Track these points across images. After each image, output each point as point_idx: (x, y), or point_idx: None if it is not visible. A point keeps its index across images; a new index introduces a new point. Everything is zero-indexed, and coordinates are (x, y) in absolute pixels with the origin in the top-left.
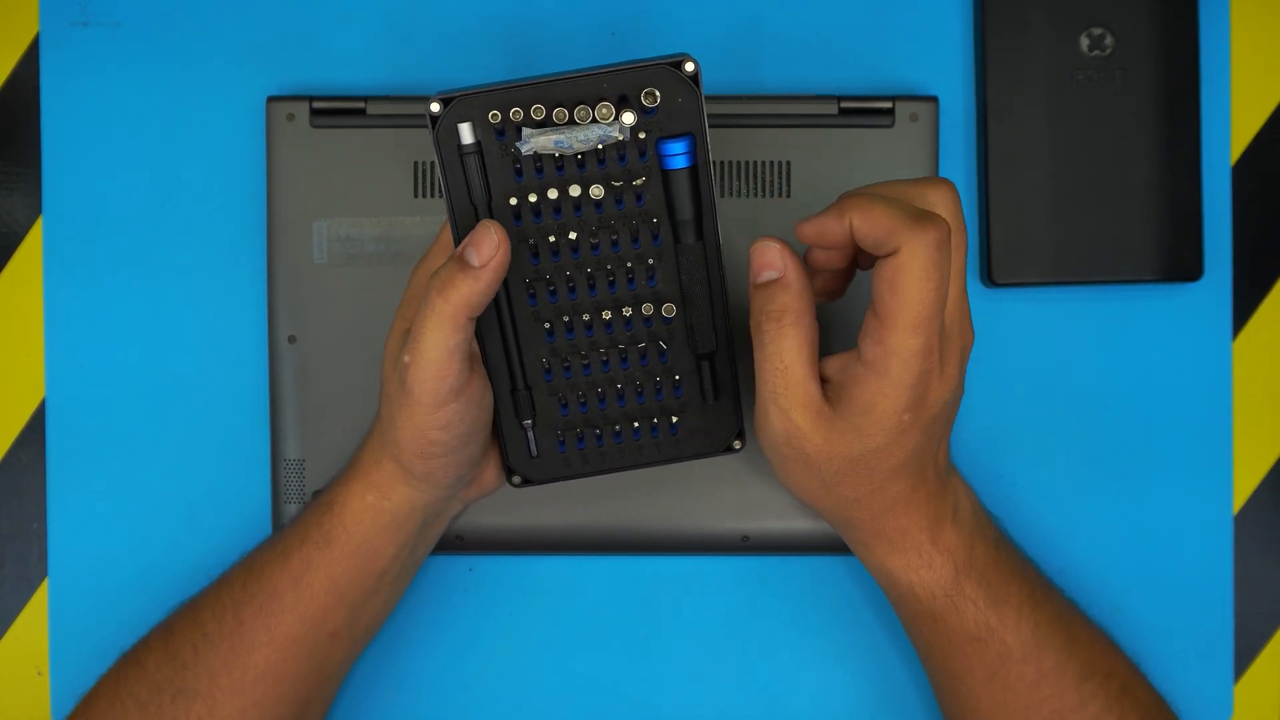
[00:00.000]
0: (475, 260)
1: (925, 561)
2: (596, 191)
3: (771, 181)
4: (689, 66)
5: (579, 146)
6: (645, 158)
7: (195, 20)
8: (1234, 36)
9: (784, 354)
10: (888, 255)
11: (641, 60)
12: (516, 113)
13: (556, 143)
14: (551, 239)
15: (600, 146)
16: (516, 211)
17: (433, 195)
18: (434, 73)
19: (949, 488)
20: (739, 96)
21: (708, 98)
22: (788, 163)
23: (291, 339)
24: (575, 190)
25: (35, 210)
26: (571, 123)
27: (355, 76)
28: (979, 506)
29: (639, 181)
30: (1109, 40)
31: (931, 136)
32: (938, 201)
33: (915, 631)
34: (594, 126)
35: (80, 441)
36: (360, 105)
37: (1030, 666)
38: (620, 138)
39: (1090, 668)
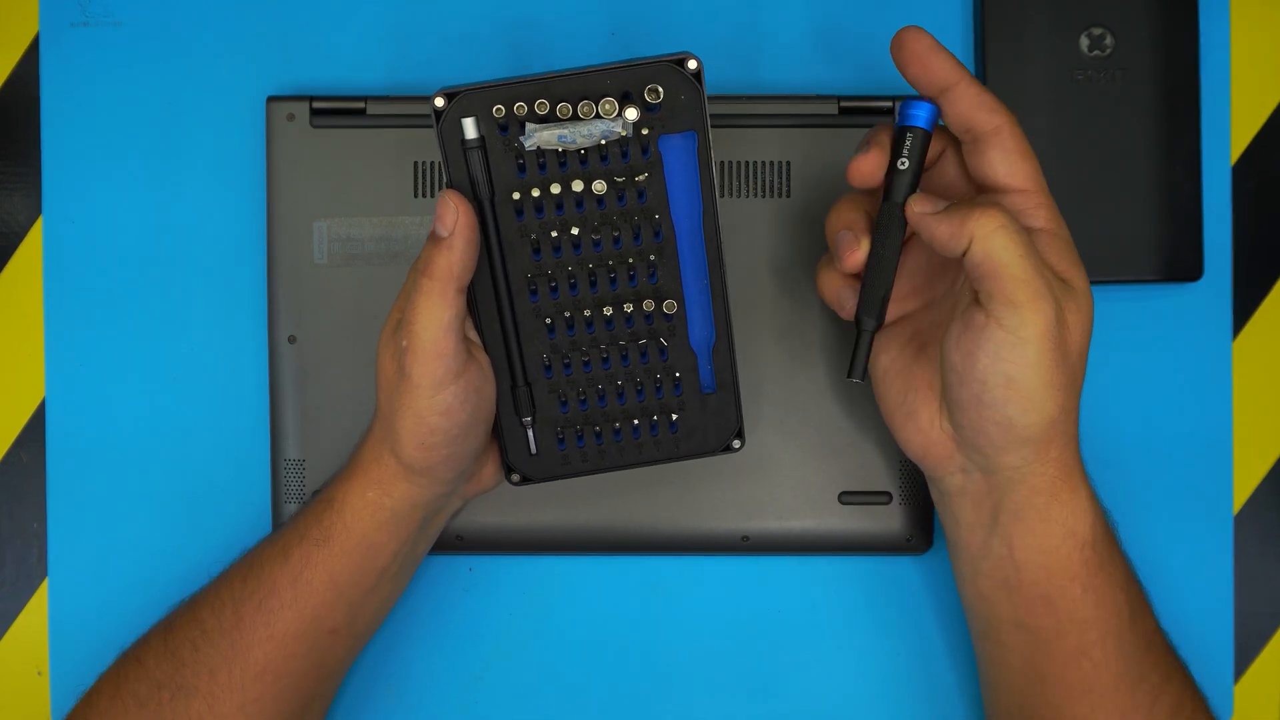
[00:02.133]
0: (442, 231)
1: (1084, 506)
2: (599, 187)
3: (771, 181)
4: (691, 64)
5: (582, 142)
6: (648, 154)
7: (195, 20)
8: (1234, 36)
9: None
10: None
11: (644, 58)
12: (520, 108)
13: (560, 138)
14: (554, 234)
15: (603, 142)
16: (519, 206)
17: (432, 195)
18: (434, 73)
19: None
20: (739, 96)
21: (708, 97)
22: (788, 163)
23: (291, 339)
24: (578, 185)
25: (35, 210)
26: (575, 118)
27: (355, 76)
28: None
29: (641, 178)
30: (1109, 40)
31: None
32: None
33: (1031, 614)
34: (597, 122)
35: (80, 441)
36: (360, 105)
37: (1124, 683)
38: (623, 133)
39: (1164, 683)
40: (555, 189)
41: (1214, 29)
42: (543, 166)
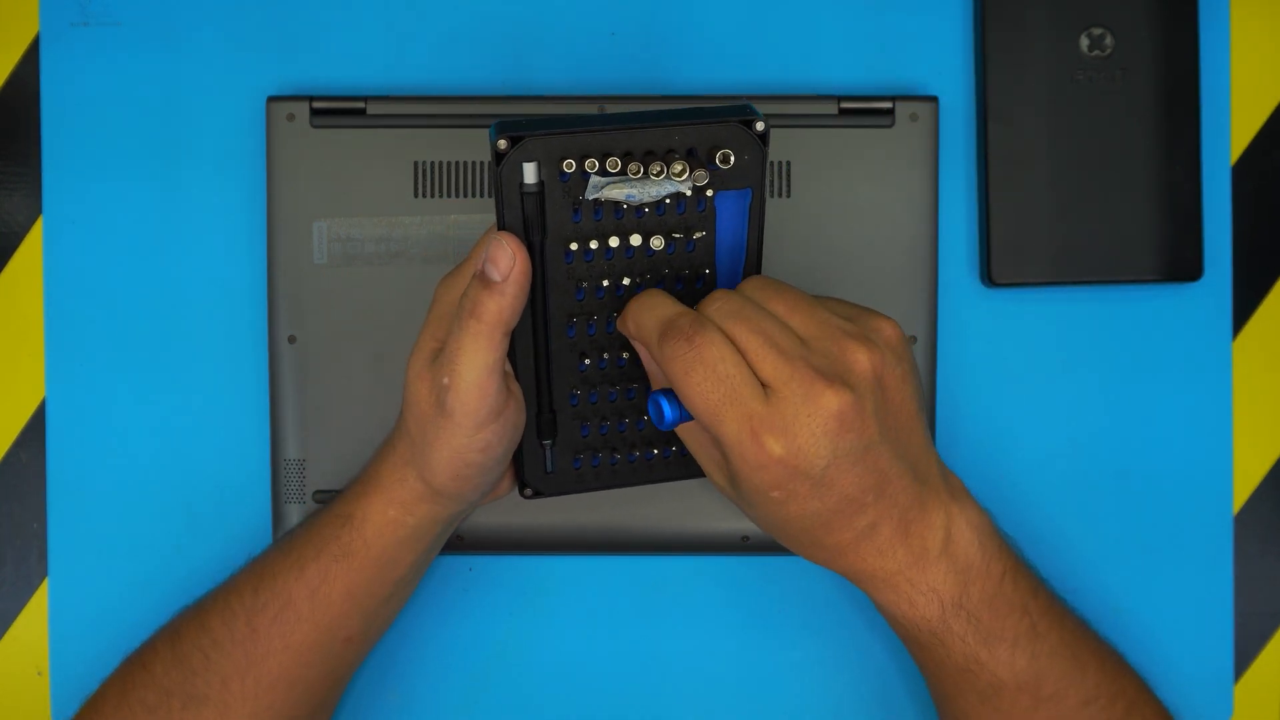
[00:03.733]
0: (496, 275)
1: (906, 599)
2: (657, 243)
3: (772, 181)
4: (759, 125)
5: (646, 200)
6: (702, 206)
7: (195, 20)
8: (1234, 36)
9: (691, 442)
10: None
11: (708, 112)
12: (592, 164)
13: (627, 196)
14: (604, 282)
15: (667, 201)
16: (569, 251)
17: (433, 195)
18: (434, 73)
19: (931, 523)
20: (739, 96)
21: (709, 98)
22: (788, 163)
23: (291, 339)
24: (636, 239)
25: (35, 210)
26: (644, 177)
27: (355, 76)
28: (988, 535)
29: (699, 235)
30: (1109, 40)
31: (931, 136)
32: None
33: (909, 651)
34: (666, 183)
35: (80, 441)
36: (360, 105)
37: (1025, 695)
38: (688, 193)
39: (1094, 691)
40: (614, 242)
41: (1214, 29)
42: (598, 213)
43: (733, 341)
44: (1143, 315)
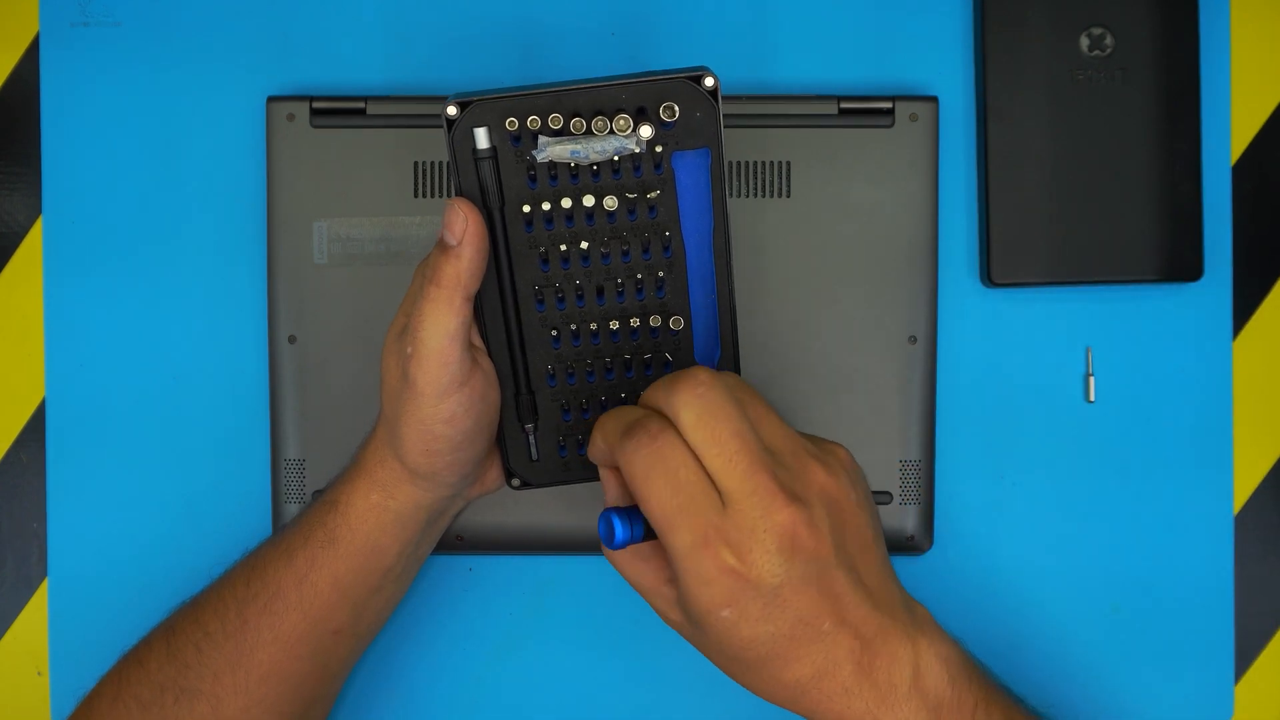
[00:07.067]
0: (451, 239)
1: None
2: (610, 203)
3: (771, 181)
4: (709, 81)
5: (594, 157)
6: (660, 170)
7: (195, 20)
8: (1234, 36)
9: (638, 577)
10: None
11: (660, 71)
12: (534, 121)
13: (572, 153)
14: (563, 247)
15: (616, 158)
16: (529, 218)
17: (433, 195)
18: (434, 73)
19: (896, 656)
20: (739, 97)
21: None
22: (788, 163)
23: (291, 339)
24: (589, 200)
25: (35, 210)
26: (589, 134)
27: (355, 76)
28: (958, 667)
29: (653, 195)
30: (1109, 40)
31: (931, 136)
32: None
33: None
34: (611, 138)
35: (80, 441)
36: (360, 105)
37: None
38: (637, 150)
39: None
40: (566, 203)
41: (1214, 29)
42: (554, 178)
43: (704, 438)
44: (1143, 315)
